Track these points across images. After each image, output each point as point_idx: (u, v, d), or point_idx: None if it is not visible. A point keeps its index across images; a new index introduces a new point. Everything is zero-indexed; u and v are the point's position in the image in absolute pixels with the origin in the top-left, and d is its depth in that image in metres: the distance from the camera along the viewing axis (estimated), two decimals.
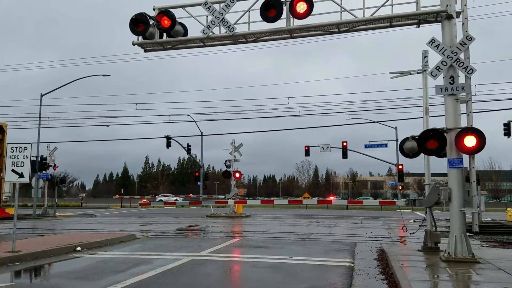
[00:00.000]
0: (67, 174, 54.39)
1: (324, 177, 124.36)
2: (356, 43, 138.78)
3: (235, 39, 12.59)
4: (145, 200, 49.01)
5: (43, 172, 32.63)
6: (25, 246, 11.81)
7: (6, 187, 27.37)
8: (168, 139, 41.88)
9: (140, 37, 12.80)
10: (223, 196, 46.27)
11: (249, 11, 12.04)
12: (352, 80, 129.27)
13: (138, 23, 12.42)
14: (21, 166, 11.27)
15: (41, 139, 33.38)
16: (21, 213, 28.98)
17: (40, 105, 33.31)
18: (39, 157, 32.17)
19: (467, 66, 10.22)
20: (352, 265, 10.14)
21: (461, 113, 10.49)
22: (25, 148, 11.35)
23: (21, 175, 11.28)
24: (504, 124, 28.72)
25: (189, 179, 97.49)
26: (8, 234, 16.18)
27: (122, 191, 58.66)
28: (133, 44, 12.95)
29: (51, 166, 34.24)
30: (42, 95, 33.43)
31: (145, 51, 13.42)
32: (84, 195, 62.82)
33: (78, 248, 12.36)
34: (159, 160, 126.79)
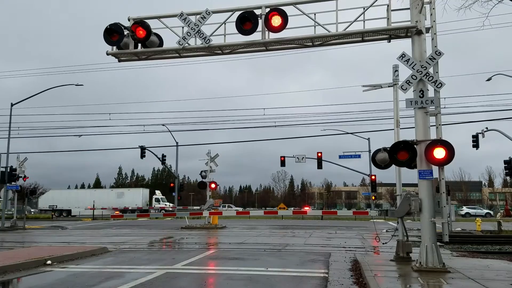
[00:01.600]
0: (37, 185, 52.84)
1: (299, 187, 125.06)
2: (334, 56, 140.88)
3: (210, 50, 12.65)
4: (117, 212, 48.14)
5: (13, 183, 31.74)
6: None
7: None
8: (143, 149, 41.40)
9: (115, 47, 12.69)
10: (198, 207, 45.96)
11: (225, 24, 12.12)
12: (327, 92, 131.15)
13: (113, 33, 12.33)
14: None
15: (11, 150, 32.51)
16: None
17: (10, 115, 32.50)
18: (8, 168, 31.30)
19: (436, 80, 10.54)
20: (327, 275, 10.22)
21: (431, 126, 10.78)
22: None
23: None
24: (473, 136, 29.64)
25: (163, 190, 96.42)
26: None
27: (93, 203, 57.36)
28: (107, 54, 12.83)
29: (21, 177, 33.32)
30: (12, 105, 32.60)
31: (119, 61, 13.32)
32: (56, 206, 61.12)
33: (49, 262, 12.04)
34: (133, 171, 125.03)
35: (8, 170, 31.16)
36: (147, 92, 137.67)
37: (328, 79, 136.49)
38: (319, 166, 39.24)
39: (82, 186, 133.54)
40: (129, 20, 12.59)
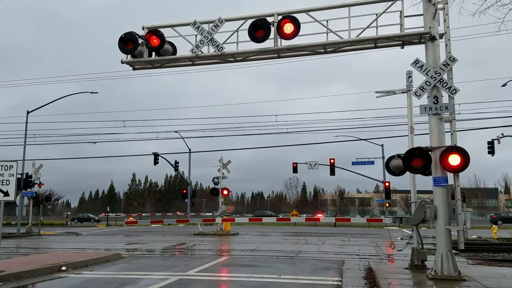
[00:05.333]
0: (52, 191, 53.48)
1: (312, 194, 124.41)
2: (356, 67, 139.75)
3: (223, 58, 12.73)
4: (131, 218, 48.43)
5: (28, 189, 32.16)
6: (9, 266, 11.59)
7: None
8: (156, 156, 41.73)
9: (129, 56, 12.84)
10: (210, 214, 46.03)
11: (238, 31, 12.20)
12: (341, 99, 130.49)
13: (127, 42, 12.48)
14: (6, 185, 11.13)
15: (27, 156, 33.05)
16: (4, 232, 28.30)
17: (26, 122, 33.06)
18: (24, 175, 31.75)
19: (451, 86, 10.46)
20: (340, 283, 10.14)
21: (446, 132, 10.68)
22: (11, 166, 11.23)
23: (6, 194, 11.13)
24: (488, 143, 29.27)
25: (176, 196, 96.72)
26: None
27: (108, 209, 57.90)
28: (122, 63, 12.98)
29: (36, 183, 33.78)
30: (28, 112, 33.19)
31: (134, 69, 13.47)
32: (69, 213, 61.84)
33: (63, 268, 12.16)
34: (146, 177, 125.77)
35: (24, 177, 31.61)
36: (161, 100, 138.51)
37: (348, 90, 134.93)
38: (332, 172, 39.07)
39: (97, 193, 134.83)
40: (143, 29, 12.73)
